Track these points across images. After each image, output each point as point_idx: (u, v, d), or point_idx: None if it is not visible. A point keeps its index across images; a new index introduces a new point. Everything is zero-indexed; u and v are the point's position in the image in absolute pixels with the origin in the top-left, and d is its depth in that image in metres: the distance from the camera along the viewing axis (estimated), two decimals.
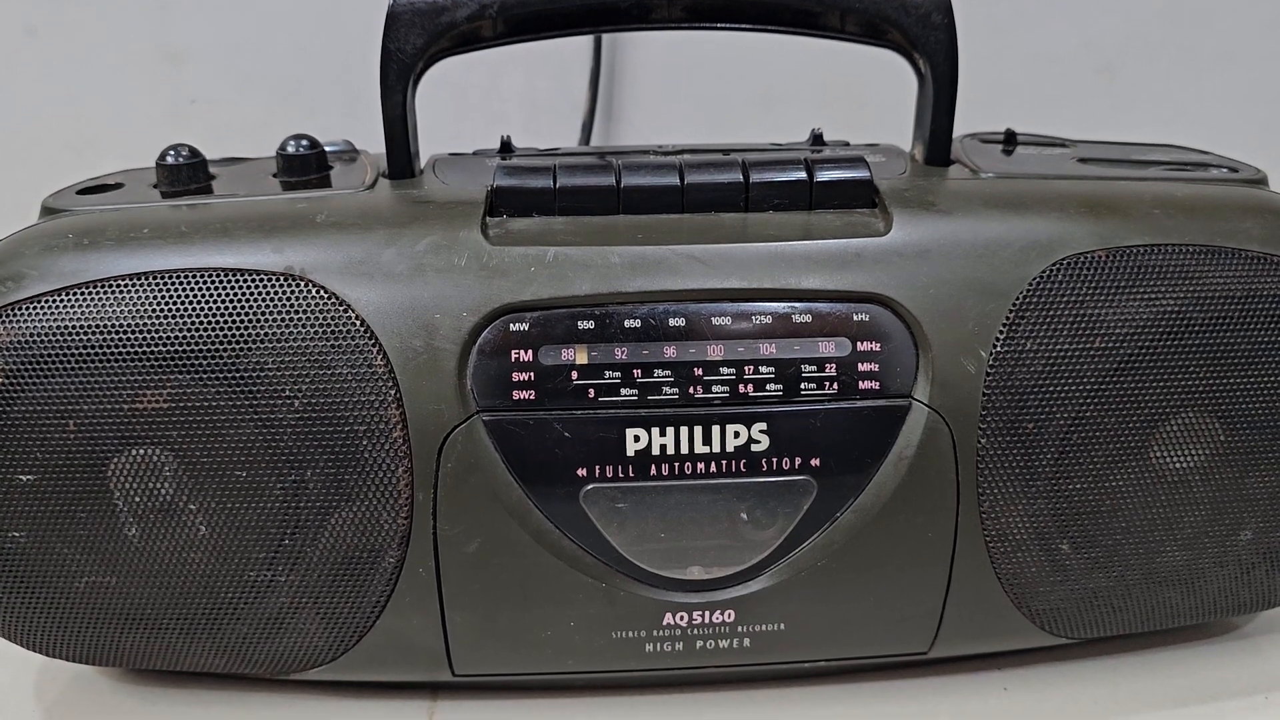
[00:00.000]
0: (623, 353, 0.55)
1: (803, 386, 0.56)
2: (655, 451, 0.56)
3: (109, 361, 0.53)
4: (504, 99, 1.07)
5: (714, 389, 0.56)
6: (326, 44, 1.04)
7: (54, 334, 0.53)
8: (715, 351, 0.56)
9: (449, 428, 0.55)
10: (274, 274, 0.55)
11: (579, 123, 1.06)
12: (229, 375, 0.54)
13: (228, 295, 0.54)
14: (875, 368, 0.56)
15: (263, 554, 0.56)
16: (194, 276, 0.54)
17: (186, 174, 0.63)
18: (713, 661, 0.60)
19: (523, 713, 0.62)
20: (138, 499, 0.55)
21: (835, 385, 0.56)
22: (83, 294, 0.54)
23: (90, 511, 0.55)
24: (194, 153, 0.64)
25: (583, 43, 1.04)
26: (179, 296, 0.54)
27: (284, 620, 0.58)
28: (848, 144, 0.73)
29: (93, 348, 0.53)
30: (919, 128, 0.67)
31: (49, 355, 0.53)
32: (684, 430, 0.56)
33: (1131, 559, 0.60)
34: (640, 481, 0.56)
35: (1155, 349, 0.56)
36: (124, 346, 0.53)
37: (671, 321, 0.56)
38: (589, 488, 0.56)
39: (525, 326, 0.55)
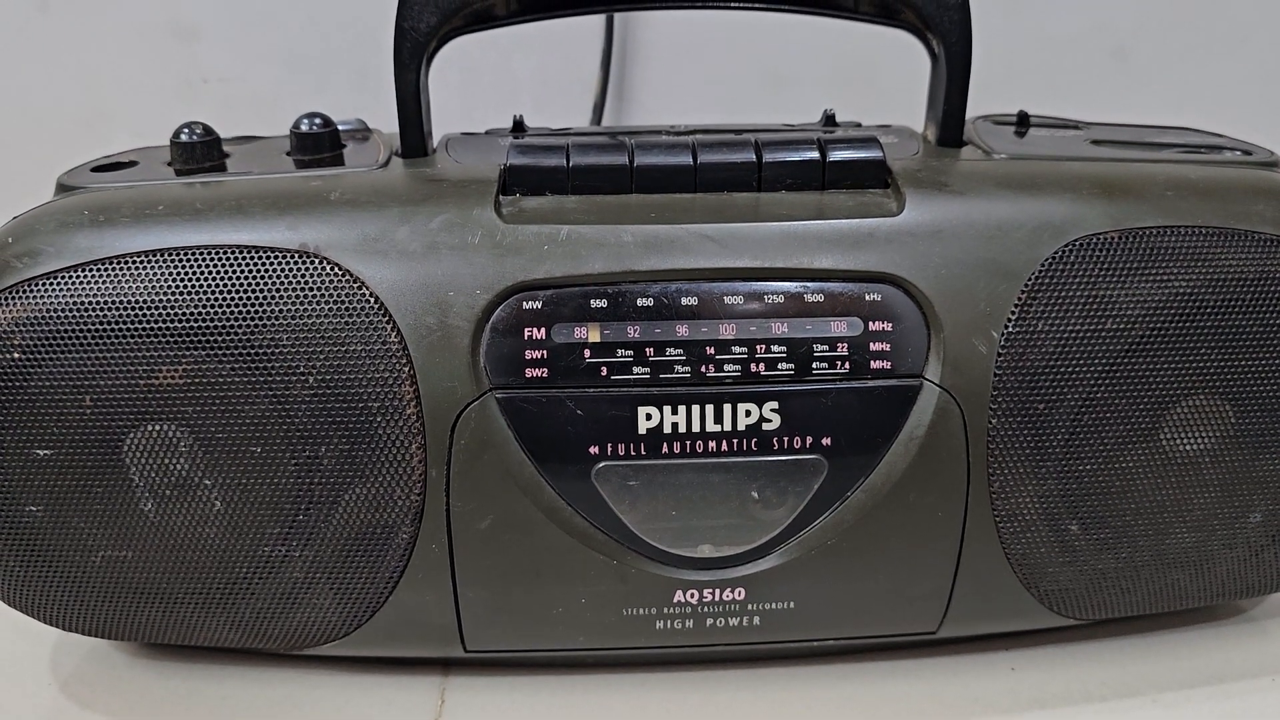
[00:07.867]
0: (635, 331, 0.55)
1: (814, 366, 0.56)
2: (667, 430, 0.56)
3: (125, 337, 0.54)
4: (516, 79, 1.07)
5: (726, 368, 0.56)
6: (339, 22, 1.04)
7: (70, 310, 0.54)
8: (727, 330, 0.56)
9: (462, 405, 0.55)
10: (289, 251, 0.55)
11: (590, 103, 1.06)
12: (244, 351, 0.54)
13: (243, 272, 0.54)
14: (887, 347, 0.56)
15: (277, 529, 0.57)
16: (209, 253, 0.54)
17: (200, 152, 0.63)
18: (722, 639, 0.61)
19: (534, 688, 0.63)
20: (153, 474, 0.56)
21: (847, 365, 0.56)
22: (98, 270, 0.54)
23: (106, 486, 0.56)
24: (208, 130, 0.64)
25: (594, 22, 1.04)
26: (194, 273, 0.54)
27: (298, 595, 0.59)
28: (860, 125, 0.72)
29: (108, 324, 0.54)
30: (932, 109, 0.67)
31: (65, 331, 0.54)
32: (696, 409, 0.56)
33: (1141, 540, 0.60)
34: (652, 460, 0.56)
35: (1167, 331, 0.56)
36: (139, 323, 0.54)
37: (684, 300, 0.56)
38: (601, 465, 0.56)
39: (538, 304, 0.55)
